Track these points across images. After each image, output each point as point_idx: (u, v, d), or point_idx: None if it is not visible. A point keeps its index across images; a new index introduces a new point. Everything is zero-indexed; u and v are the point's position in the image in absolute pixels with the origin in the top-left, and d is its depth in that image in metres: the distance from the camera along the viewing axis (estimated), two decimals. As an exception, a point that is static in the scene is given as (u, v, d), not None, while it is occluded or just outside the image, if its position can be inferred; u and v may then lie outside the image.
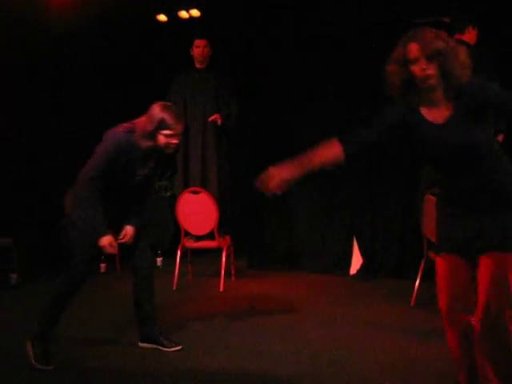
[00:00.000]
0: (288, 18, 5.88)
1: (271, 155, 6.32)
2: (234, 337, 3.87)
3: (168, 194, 6.88)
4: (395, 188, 5.68)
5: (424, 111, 2.50)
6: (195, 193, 5.18)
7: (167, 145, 3.31)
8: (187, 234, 5.30)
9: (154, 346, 3.65)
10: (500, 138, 4.52)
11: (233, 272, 5.59)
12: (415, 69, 2.43)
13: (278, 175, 2.71)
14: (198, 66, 5.62)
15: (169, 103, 3.49)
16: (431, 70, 2.40)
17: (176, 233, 5.71)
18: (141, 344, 3.70)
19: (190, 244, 5.33)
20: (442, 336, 3.66)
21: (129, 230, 3.54)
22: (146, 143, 3.27)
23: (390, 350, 3.57)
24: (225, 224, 5.48)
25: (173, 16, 6.10)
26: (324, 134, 6.26)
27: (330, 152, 2.70)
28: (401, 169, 5.62)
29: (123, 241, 3.50)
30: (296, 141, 6.22)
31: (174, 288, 5.17)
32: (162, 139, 3.28)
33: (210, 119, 5.40)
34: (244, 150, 6.43)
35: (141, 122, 3.32)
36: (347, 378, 3.18)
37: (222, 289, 5.13)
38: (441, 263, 2.54)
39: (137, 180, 3.40)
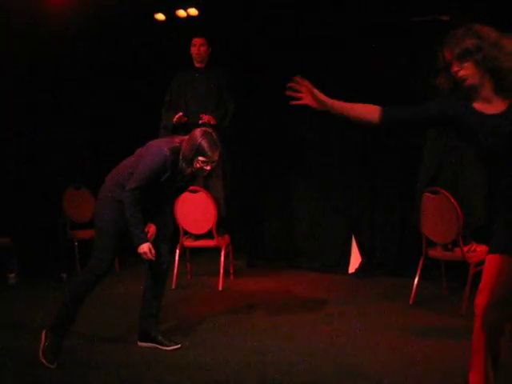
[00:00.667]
0: (287, 17, 5.87)
1: (270, 154, 6.43)
2: (233, 335, 3.87)
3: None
4: (394, 186, 5.68)
5: (477, 105, 2.43)
6: (194, 192, 5.17)
7: (201, 170, 3.48)
8: (186, 232, 5.30)
9: (153, 345, 3.65)
10: None
11: (231, 271, 5.59)
12: (452, 73, 2.40)
13: (311, 88, 2.69)
14: (197, 65, 5.60)
15: (209, 129, 3.59)
16: (464, 71, 2.36)
17: (175, 232, 5.71)
18: (139, 343, 3.70)
19: (189, 243, 5.33)
20: (441, 334, 3.69)
21: (152, 227, 3.65)
22: (185, 167, 3.46)
23: (388, 347, 3.58)
24: (223, 223, 5.48)
25: (171, 15, 6.09)
26: (323, 133, 6.34)
27: (369, 108, 2.59)
28: (399, 167, 5.63)
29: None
30: (295, 140, 6.26)
31: (173, 287, 5.17)
32: (197, 164, 3.44)
33: (201, 121, 5.27)
34: (243, 149, 6.43)
35: (184, 143, 3.48)
36: (346, 375, 3.18)
37: (220, 288, 5.13)
38: (493, 262, 2.44)
39: (172, 189, 3.64)
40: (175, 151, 3.44)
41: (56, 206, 5.95)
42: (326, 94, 2.75)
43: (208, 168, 3.47)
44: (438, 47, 2.47)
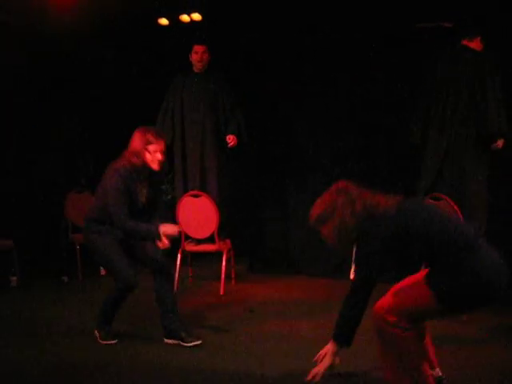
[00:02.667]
0: (290, 24, 5.88)
1: (271, 159, 6.42)
2: (234, 340, 3.86)
3: (168, 197, 6.88)
4: (394, 191, 5.67)
5: None
6: (196, 196, 5.18)
7: (153, 160, 3.67)
8: (187, 237, 5.30)
9: (176, 342, 3.74)
10: (500, 142, 4.52)
11: (233, 276, 5.59)
12: None
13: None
14: (196, 70, 5.61)
15: (148, 127, 3.82)
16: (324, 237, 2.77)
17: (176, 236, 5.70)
18: (166, 340, 3.79)
19: (191, 247, 5.33)
20: (441, 339, 3.67)
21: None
22: (135, 160, 3.64)
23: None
24: (225, 228, 5.48)
25: (174, 20, 6.10)
26: (322, 137, 6.34)
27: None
28: (399, 172, 5.63)
29: (163, 247, 3.69)
30: (295, 144, 6.26)
31: (175, 291, 5.16)
32: (148, 156, 3.65)
33: (229, 145, 5.42)
34: (243, 153, 6.43)
35: (128, 149, 3.72)
36: (347, 380, 3.17)
37: (222, 292, 5.13)
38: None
39: (142, 203, 3.74)
40: (125, 162, 3.66)
41: (58, 209, 5.96)
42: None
43: (159, 157, 3.66)
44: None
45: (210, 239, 5.19)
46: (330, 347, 2.82)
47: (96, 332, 3.83)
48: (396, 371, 2.60)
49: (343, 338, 2.76)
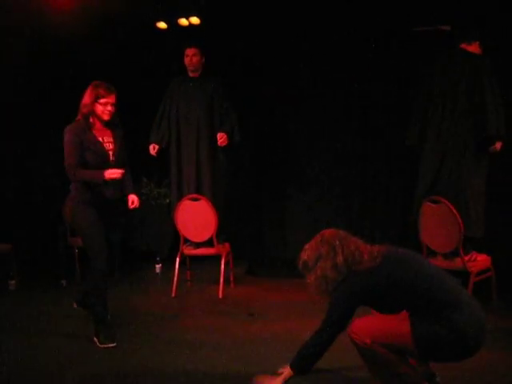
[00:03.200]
0: (288, 28, 5.90)
1: (270, 163, 6.43)
2: (233, 343, 3.86)
3: (167, 200, 6.88)
4: (393, 197, 5.69)
5: None
6: (194, 200, 5.17)
7: (103, 112, 3.91)
8: (186, 240, 5.29)
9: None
10: (498, 145, 4.52)
11: (232, 279, 5.58)
12: None
13: None
14: (190, 74, 5.61)
15: (100, 81, 4.00)
16: (309, 286, 2.90)
17: (175, 240, 5.71)
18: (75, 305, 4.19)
19: (189, 251, 5.33)
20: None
21: (132, 197, 4.12)
22: (86, 110, 3.89)
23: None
24: (224, 231, 5.48)
25: (173, 23, 6.11)
26: (321, 141, 6.35)
27: None
28: (399, 177, 5.64)
29: (133, 206, 4.09)
30: (294, 148, 6.27)
31: (173, 295, 5.17)
32: (99, 108, 3.89)
33: (219, 143, 5.39)
34: (242, 157, 6.44)
35: (81, 104, 3.95)
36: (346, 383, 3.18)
37: (220, 295, 5.12)
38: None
39: (109, 156, 3.94)
40: (78, 118, 3.94)
41: (56, 213, 5.95)
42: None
43: (109, 108, 3.90)
44: None
45: (209, 242, 5.19)
46: (285, 371, 2.91)
47: (94, 338, 3.86)
48: (384, 378, 2.61)
49: (301, 368, 2.87)
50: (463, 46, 4.58)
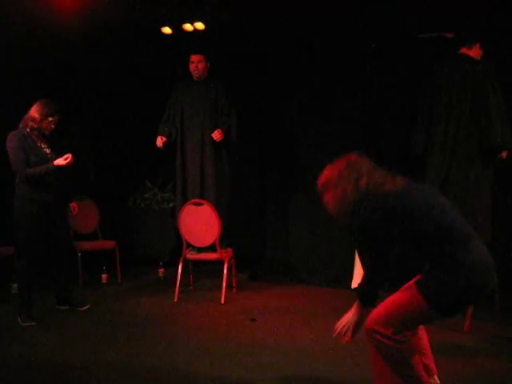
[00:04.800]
0: (293, 33, 5.91)
1: (273, 168, 6.43)
2: (235, 349, 3.85)
3: (170, 205, 6.89)
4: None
5: None
6: (198, 205, 5.18)
7: (48, 127, 4.56)
8: (189, 245, 5.30)
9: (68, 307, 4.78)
10: (504, 154, 4.49)
11: (234, 284, 5.58)
12: None
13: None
14: (195, 79, 5.63)
15: (48, 100, 4.58)
16: (327, 204, 2.88)
17: (178, 244, 5.72)
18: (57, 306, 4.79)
19: (192, 256, 5.33)
20: (440, 348, 3.66)
21: (73, 204, 5.01)
22: (32, 124, 4.48)
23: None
24: (227, 236, 5.48)
25: (178, 29, 6.14)
26: (324, 147, 6.33)
27: None
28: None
29: (75, 213, 5.00)
30: (296, 154, 6.27)
31: (176, 300, 5.16)
32: (45, 124, 4.52)
33: (212, 135, 5.40)
34: (245, 161, 6.45)
35: (27, 116, 4.53)
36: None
37: (223, 301, 5.12)
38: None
39: (49, 158, 4.50)
40: (22, 126, 4.51)
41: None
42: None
43: (53, 126, 4.58)
44: None
45: (212, 247, 5.19)
46: (355, 307, 2.81)
47: (18, 317, 4.45)
48: (393, 382, 2.58)
49: (368, 303, 2.76)
50: (464, 50, 4.54)
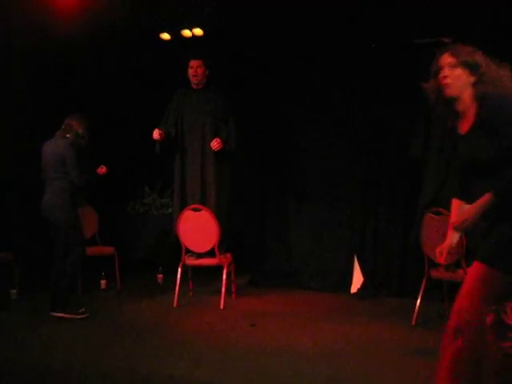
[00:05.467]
0: (292, 40, 5.93)
1: (272, 174, 6.44)
2: (234, 354, 3.84)
3: (169, 210, 6.89)
4: (396, 207, 5.68)
5: (459, 123, 2.52)
6: (197, 210, 5.18)
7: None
8: (188, 251, 5.29)
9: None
10: None
11: (233, 290, 5.57)
12: (440, 78, 2.46)
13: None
14: (194, 86, 5.62)
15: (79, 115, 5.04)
16: (451, 79, 2.42)
17: (177, 250, 5.71)
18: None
19: (191, 261, 5.32)
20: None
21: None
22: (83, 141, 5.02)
23: (390, 368, 3.56)
24: (226, 242, 5.48)
25: (176, 35, 6.15)
26: (325, 153, 6.34)
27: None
28: (401, 188, 5.63)
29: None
30: (296, 160, 6.28)
31: (175, 305, 5.16)
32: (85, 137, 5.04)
33: (211, 144, 5.37)
34: (244, 168, 6.45)
35: (74, 128, 4.98)
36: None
37: (222, 306, 5.11)
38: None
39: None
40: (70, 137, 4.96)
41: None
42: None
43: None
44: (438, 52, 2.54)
45: (211, 253, 5.19)
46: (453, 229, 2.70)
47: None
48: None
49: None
50: None
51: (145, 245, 6.91)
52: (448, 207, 4.36)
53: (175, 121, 5.59)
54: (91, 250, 6.08)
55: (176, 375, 3.49)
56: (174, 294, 5.19)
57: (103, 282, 5.95)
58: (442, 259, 2.74)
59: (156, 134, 5.37)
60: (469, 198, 2.59)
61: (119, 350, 3.93)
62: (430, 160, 4.62)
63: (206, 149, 5.49)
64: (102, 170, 5.07)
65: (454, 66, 2.45)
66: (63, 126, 4.98)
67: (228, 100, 5.61)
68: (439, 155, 4.56)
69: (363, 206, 5.87)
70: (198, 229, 5.12)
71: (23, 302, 5.31)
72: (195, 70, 5.52)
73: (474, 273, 2.47)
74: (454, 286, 4.73)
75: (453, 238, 2.72)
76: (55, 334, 4.33)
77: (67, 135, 4.91)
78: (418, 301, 4.50)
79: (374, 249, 5.80)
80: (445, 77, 2.44)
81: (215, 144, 5.35)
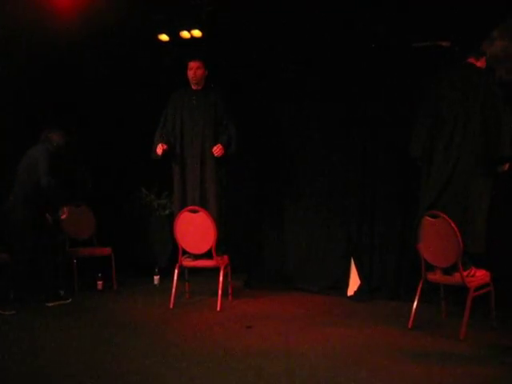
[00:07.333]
0: (290, 41, 5.94)
1: (269, 177, 6.44)
2: (231, 356, 3.84)
3: (166, 212, 6.89)
4: (393, 209, 5.69)
5: None
6: (194, 212, 5.17)
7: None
8: (185, 252, 5.29)
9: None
10: (506, 166, 4.47)
11: (230, 291, 5.57)
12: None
13: None
14: (193, 87, 5.61)
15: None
16: None
17: (174, 251, 5.71)
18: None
19: (188, 263, 5.32)
20: (439, 358, 3.66)
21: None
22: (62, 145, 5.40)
23: (387, 371, 3.56)
24: (223, 243, 5.47)
25: (175, 36, 6.15)
26: (321, 156, 6.33)
27: None
28: (398, 190, 5.64)
29: None
30: (293, 163, 6.28)
31: (171, 307, 5.16)
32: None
33: (213, 150, 5.34)
34: (242, 170, 6.45)
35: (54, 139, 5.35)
36: None
37: (219, 308, 5.11)
38: None
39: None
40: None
41: (55, 223, 5.94)
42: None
43: None
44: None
45: (208, 255, 5.18)
46: None
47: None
48: None
49: None
50: (472, 60, 4.56)
51: (142, 246, 6.91)
52: (448, 209, 4.37)
53: (172, 125, 5.56)
54: (88, 251, 6.10)
55: (172, 376, 3.48)
56: (171, 295, 5.18)
57: (100, 282, 5.95)
58: None
59: (160, 150, 5.33)
60: None
61: (115, 350, 3.93)
62: (434, 163, 4.56)
63: (206, 151, 5.45)
64: (63, 215, 5.52)
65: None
66: (42, 138, 5.31)
67: (228, 103, 5.61)
68: (444, 159, 4.50)
69: (360, 209, 5.87)
70: (195, 230, 5.12)
71: (19, 302, 5.28)
72: (194, 71, 5.51)
73: None
74: (451, 290, 4.77)
75: None
76: (49, 332, 4.33)
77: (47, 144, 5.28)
78: (415, 304, 4.50)
79: (371, 252, 5.80)
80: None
81: (217, 150, 5.33)
